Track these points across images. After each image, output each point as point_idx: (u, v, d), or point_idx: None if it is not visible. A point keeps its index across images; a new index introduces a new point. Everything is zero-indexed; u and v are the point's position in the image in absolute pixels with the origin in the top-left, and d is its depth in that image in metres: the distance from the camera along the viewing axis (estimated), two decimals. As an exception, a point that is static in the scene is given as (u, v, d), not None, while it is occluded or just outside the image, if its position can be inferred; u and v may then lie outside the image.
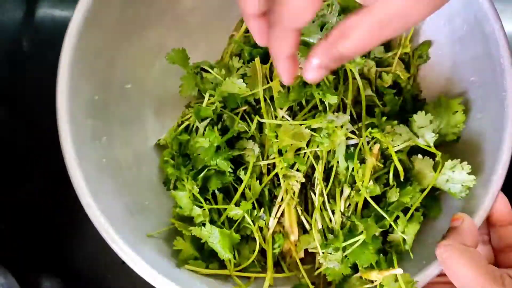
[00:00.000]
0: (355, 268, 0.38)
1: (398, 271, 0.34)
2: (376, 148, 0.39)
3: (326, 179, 0.41)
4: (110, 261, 0.52)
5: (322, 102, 0.41)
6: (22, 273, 0.50)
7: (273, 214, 0.41)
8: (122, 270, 0.51)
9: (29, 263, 0.53)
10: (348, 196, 0.40)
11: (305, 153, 0.40)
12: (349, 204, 0.40)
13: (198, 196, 0.40)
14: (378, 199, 0.39)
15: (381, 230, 0.38)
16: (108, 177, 0.41)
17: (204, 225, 0.39)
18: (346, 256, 0.37)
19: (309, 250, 0.41)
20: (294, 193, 0.41)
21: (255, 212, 0.40)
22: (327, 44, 0.25)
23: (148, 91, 0.47)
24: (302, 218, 0.41)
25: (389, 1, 0.23)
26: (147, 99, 0.47)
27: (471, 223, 0.34)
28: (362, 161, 0.39)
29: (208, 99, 0.43)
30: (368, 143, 0.39)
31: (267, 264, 0.40)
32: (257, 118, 0.42)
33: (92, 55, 0.41)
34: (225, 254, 0.38)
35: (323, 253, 0.39)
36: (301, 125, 0.40)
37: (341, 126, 0.38)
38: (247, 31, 0.46)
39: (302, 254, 0.42)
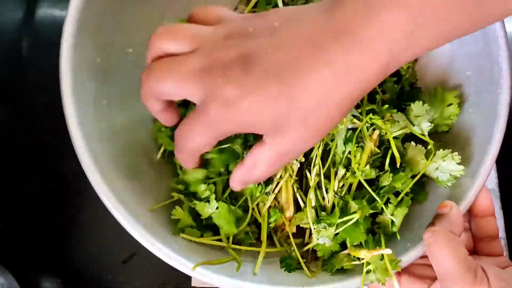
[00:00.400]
0: (343, 246, 0.40)
1: (386, 251, 0.36)
2: (375, 134, 0.41)
3: (322, 159, 0.42)
4: (110, 261, 0.53)
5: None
6: (22, 273, 0.51)
7: (270, 190, 0.43)
8: (122, 270, 0.53)
9: (29, 263, 0.53)
10: (342, 177, 0.41)
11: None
12: (343, 185, 0.41)
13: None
14: (370, 181, 0.41)
15: (373, 212, 0.40)
16: (107, 140, 0.41)
17: (208, 201, 0.40)
18: (337, 233, 0.39)
19: (301, 226, 0.43)
20: (293, 171, 0.43)
21: (260, 187, 0.41)
22: (244, 171, 0.30)
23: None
24: (298, 195, 0.43)
25: (284, 140, 0.27)
26: (145, 65, 0.47)
27: (458, 211, 0.36)
28: (358, 144, 0.41)
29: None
30: (367, 128, 0.41)
31: (261, 238, 0.41)
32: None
33: (98, 16, 0.40)
34: (230, 229, 0.40)
35: (315, 228, 0.40)
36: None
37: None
38: (255, 5, 0.45)
39: (294, 229, 0.44)
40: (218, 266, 0.39)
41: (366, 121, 0.40)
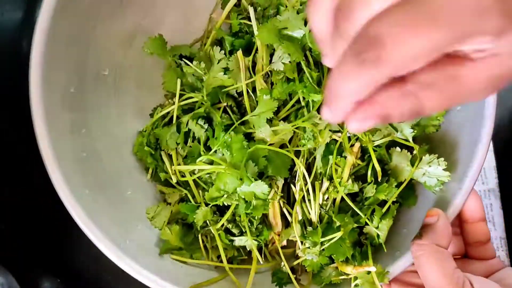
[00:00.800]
0: (332, 258, 0.40)
1: (371, 268, 0.36)
2: (356, 146, 0.40)
3: (307, 169, 0.41)
4: (110, 262, 0.52)
5: (304, 98, 0.41)
6: (22, 273, 0.51)
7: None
8: (122, 271, 0.53)
9: (29, 263, 0.53)
10: (327, 190, 0.41)
11: (287, 150, 0.40)
12: (327, 198, 0.41)
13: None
14: (355, 193, 0.41)
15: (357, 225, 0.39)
16: (88, 171, 0.41)
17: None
18: (323, 249, 0.39)
19: (290, 238, 0.43)
20: (278, 187, 0.42)
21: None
22: (404, 89, 0.20)
23: (125, 75, 0.46)
24: (284, 210, 0.42)
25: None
26: (125, 84, 0.46)
27: (445, 222, 0.35)
28: (341, 153, 0.40)
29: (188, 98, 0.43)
30: (349, 138, 0.40)
31: (252, 255, 0.41)
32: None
33: (65, 44, 0.39)
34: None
35: (302, 244, 0.40)
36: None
37: (325, 128, 0.38)
38: (227, 17, 0.44)
39: (284, 243, 0.43)
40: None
41: (347, 132, 0.39)
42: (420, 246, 0.34)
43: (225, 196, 0.39)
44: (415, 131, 0.40)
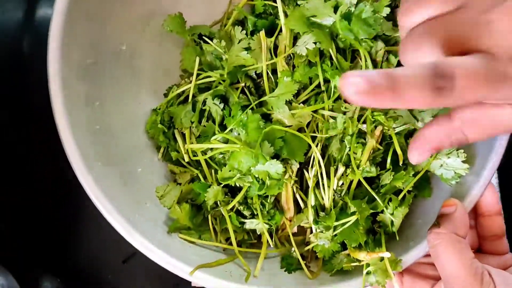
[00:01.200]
0: (343, 245, 0.39)
1: (385, 254, 0.35)
2: (378, 130, 0.39)
3: (321, 155, 0.41)
4: (110, 261, 0.53)
5: (325, 81, 0.41)
6: (22, 273, 0.50)
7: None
8: (122, 270, 0.53)
9: (29, 263, 0.53)
10: (342, 175, 0.40)
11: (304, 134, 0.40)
12: (342, 183, 0.40)
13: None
14: (371, 180, 0.40)
15: (373, 211, 0.39)
16: (101, 144, 0.40)
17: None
18: (336, 235, 0.38)
19: (301, 225, 0.42)
20: (292, 171, 0.41)
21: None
22: (453, 126, 0.27)
23: (142, 53, 0.45)
24: (297, 196, 0.42)
25: None
26: (141, 62, 0.45)
27: (463, 212, 0.35)
28: (359, 141, 0.39)
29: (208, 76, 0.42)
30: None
31: (262, 239, 0.41)
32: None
33: (84, 19, 0.39)
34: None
35: (315, 230, 0.39)
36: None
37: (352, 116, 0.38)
38: (250, -3, 0.44)
39: (295, 230, 0.43)
40: (215, 268, 0.39)
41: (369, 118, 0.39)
42: (437, 234, 0.34)
43: (238, 176, 0.39)
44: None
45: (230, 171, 0.39)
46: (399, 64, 0.44)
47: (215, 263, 0.39)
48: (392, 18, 0.42)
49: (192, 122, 0.43)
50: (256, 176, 0.39)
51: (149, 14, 0.45)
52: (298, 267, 0.40)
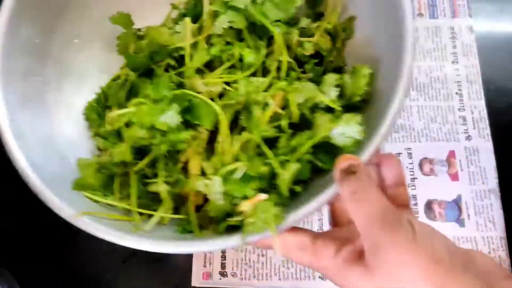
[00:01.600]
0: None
1: (262, 196, 0.34)
2: (279, 95, 0.41)
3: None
4: (110, 261, 0.54)
5: (241, 60, 0.44)
6: (22, 273, 0.52)
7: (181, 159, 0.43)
8: (122, 270, 0.54)
9: (29, 263, 0.55)
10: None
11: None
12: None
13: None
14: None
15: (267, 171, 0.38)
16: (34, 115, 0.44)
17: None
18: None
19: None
20: (202, 139, 0.42)
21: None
22: None
23: (95, 48, 0.51)
24: (203, 164, 0.42)
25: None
26: (91, 54, 0.50)
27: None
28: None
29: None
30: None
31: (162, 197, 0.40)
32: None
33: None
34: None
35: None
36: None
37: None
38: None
39: (200, 201, 0.42)
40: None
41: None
42: (351, 181, 0.31)
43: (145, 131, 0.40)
44: (338, 90, 0.40)
45: (139, 129, 0.41)
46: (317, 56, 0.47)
47: (104, 214, 0.38)
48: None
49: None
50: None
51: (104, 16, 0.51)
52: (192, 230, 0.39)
